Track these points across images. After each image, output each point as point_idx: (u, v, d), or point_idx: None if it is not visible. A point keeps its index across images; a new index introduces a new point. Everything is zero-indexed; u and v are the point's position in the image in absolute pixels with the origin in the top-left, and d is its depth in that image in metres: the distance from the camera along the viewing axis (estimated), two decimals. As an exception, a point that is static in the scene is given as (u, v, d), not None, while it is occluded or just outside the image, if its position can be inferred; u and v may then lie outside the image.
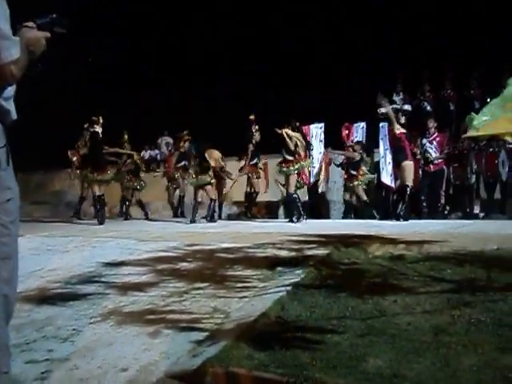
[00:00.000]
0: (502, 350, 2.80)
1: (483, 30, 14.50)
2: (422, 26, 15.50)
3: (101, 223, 11.66)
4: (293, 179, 11.14)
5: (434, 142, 11.57)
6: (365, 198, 12.15)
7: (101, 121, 11.99)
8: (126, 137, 14.33)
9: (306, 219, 11.01)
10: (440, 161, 11.70)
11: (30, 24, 2.40)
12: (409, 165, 10.83)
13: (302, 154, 11.23)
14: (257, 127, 12.94)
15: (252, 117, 12.96)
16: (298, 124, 11.58)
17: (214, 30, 18.30)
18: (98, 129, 12.01)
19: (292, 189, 11.13)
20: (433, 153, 11.57)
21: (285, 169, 11.08)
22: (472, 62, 14.40)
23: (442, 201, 12.06)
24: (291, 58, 17.48)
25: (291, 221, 10.96)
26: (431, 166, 11.59)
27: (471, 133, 4.70)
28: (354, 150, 12.41)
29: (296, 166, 11.06)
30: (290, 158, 11.06)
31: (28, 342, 3.51)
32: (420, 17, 15.53)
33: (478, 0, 14.71)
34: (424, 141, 12.05)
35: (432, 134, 12.00)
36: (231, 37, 17.71)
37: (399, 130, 11.01)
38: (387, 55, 15.68)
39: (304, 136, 11.76)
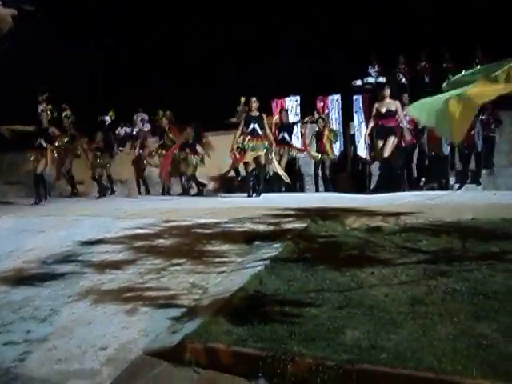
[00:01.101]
0: (477, 319, 2.84)
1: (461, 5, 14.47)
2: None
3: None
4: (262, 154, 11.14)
5: (407, 117, 11.56)
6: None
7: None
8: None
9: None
10: (410, 137, 11.66)
11: None
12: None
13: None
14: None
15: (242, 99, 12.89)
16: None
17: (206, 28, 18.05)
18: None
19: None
20: (405, 127, 11.50)
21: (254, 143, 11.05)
22: (446, 34, 14.41)
23: (415, 174, 12.15)
24: (266, 29, 17.33)
25: (250, 195, 11.04)
26: (402, 142, 11.58)
27: None
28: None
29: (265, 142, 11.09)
30: (261, 132, 11.04)
31: (5, 323, 3.48)
32: None
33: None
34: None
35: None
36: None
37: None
38: (362, 25, 15.61)
39: None
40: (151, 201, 11.57)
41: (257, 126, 10.93)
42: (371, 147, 11.90)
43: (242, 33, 16.99)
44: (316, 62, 15.23)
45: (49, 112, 12.19)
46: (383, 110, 10.68)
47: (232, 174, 13.37)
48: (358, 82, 13.95)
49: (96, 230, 6.49)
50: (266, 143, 11.02)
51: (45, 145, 11.96)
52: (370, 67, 14.82)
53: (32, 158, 12.22)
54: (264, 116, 11.10)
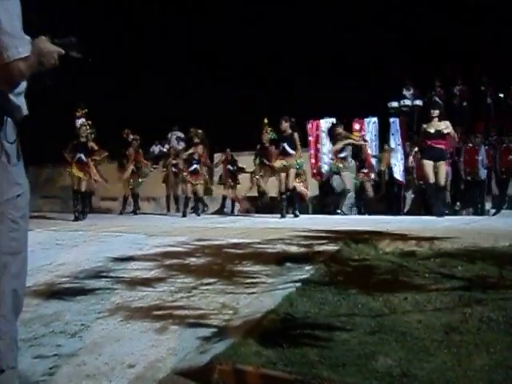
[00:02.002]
0: (514, 350, 2.76)
1: (494, 25, 14.37)
2: (433, 19, 15.38)
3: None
4: (293, 173, 11.14)
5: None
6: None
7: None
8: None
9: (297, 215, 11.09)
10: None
11: (46, 37, 2.37)
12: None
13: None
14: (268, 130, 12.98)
15: (265, 121, 12.96)
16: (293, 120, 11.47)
17: (219, 26, 18.25)
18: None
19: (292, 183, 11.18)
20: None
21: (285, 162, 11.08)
22: (482, 57, 14.31)
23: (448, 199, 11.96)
24: (305, 53, 17.44)
25: (283, 216, 11.00)
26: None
27: None
28: None
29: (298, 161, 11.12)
30: (292, 152, 11.06)
31: (36, 336, 3.49)
32: (431, 11, 15.43)
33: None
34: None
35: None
36: (239, 32, 17.65)
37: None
38: (400, 49, 15.60)
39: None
40: (181, 219, 11.63)
41: (286, 146, 11.01)
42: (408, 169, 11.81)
43: (280, 54, 17.12)
44: (352, 85, 15.26)
45: (88, 127, 12.29)
46: (432, 131, 10.44)
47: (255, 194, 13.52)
48: (395, 104, 13.90)
49: (128, 247, 6.53)
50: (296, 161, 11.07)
51: (85, 159, 12.04)
52: (404, 90, 14.76)
53: (70, 173, 12.31)
54: (296, 135, 11.14)
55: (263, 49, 17.54)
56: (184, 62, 19.03)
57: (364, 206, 12.85)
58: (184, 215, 12.49)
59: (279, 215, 11.10)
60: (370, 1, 16.32)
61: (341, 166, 12.37)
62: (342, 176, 12.42)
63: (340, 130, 12.60)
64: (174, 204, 15.16)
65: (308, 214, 12.77)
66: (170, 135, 17.72)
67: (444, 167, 10.45)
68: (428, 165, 10.45)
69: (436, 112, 10.55)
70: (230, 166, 14.16)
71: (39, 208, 14.79)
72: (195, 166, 12.80)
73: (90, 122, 12.37)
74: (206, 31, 18.42)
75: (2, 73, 2.24)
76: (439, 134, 10.36)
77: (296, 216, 11.00)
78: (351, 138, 12.70)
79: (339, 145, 12.58)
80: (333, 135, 12.79)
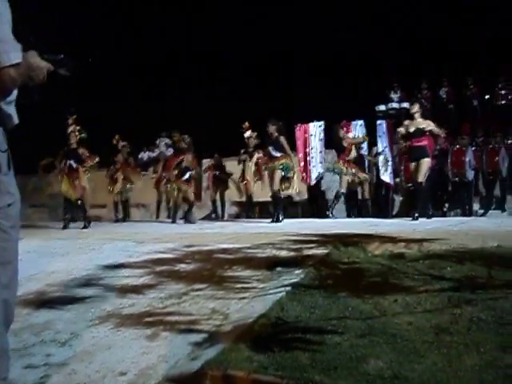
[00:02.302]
0: (504, 349, 2.78)
1: (481, 28, 14.48)
2: (421, 22, 15.47)
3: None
4: (278, 176, 11.11)
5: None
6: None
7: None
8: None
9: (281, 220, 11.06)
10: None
11: (34, 52, 2.36)
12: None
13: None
14: (250, 133, 13.01)
15: (246, 124, 12.99)
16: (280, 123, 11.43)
17: (211, 27, 18.29)
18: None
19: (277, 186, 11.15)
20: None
21: (270, 164, 11.07)
22: (469, 60, 14.41)
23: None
24: (291, 56, 17.50)
25: (273, 221, 10.99)
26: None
27: None
28: None
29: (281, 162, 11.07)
30: (278, 154, 11.04)
31: (26, 346, 3.48)
32: (419, 14, 15.52)
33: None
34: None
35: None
36: (232, 35, 17.69)
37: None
38: (386, 52, 15.67)
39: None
40: (171, 225, 11.60)
41: (272, 149, 11.02)
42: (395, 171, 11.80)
43: (266, 58, 17.17)
44: (340, 88, 15.31)
45: (77, 133, 12.18)
46: (412, 130, 10.36)
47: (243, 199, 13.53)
48: (382, 107, 13.97)
49: (118, 254, 6.50)
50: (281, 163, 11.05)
51: (75, 166, 11.93)
52: (392, 92, 14.84)
53: (61, 180, 12.15)
54: (282, 138, 11.14)
55: (250, 54, 17.59)
56: (169, 69, 19.10)
57: (357, 209, 12.85)
58: (174, 221, 12.43)
59: (270, 220, 11.10)
60: (351, 4, 16.39)
61: (343, 168, 12.24)
62: (342, 178, 12.28)
63: (342, 132, 12.54)
64: (164, 210, 15.13)
65: (297, 217, 12.80)
66: (158, 141, 17.72)
67: (425, 165, 10.31)
68: (411, 166, 10.49)
69: (415, 107, 10.51)
70: (216, 172, 14.19)
71: (28, 217, 14.70)
72: (188, 174, 12.73)
73: (79, 128, 12.27)
74: (204, 35, 18.46)
75: None
76: (420, 133, 10.28)
77: (278, 221, 10.95)
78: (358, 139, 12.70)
79: (357, 140, 12.54)
80: (336, 138, 12.71)
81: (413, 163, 10.35)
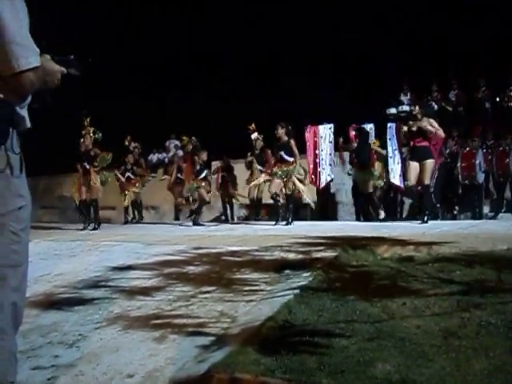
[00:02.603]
0: (513, 354, 2.75)
1: (490, 30, 14.41)
2: (430, 24, 15.42)
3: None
4: (293, 179, 11.05)
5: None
6: None
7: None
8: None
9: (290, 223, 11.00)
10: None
11: (48, 56, 2.36)
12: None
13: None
14: (256, 135, 12.99)
15: (252, 126, 12.97)
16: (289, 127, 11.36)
17: (216, 29, 18.31)
18: None
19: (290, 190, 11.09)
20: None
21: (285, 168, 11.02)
22: (479, 61, 14.35)
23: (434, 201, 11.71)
24: (302, 59, 17.51)
25: (282, 223, 10.93)
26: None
27: None
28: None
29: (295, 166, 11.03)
30: (290, 159, 11.00)
31: (34, 348, 3.48)
32: (428, 16, 15.48)
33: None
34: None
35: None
36: (236, 36, 17.71)
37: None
38: (395, 55, 15.63)
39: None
40: (180, 227, 11.62)
41: (283, 153, 10.98)
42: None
43: (265, 58, 17.17)
44: (350, 91, 15.29)
45: (92, 134, 12.23)
46: (414, 129, 10.17)
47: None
48: (393, 110, 13.89)
49: (126, 256, 6.52)
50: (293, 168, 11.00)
51: (88, 167, 11.93)
52: (402, 95, 14.79)
53: (76, 182, 12.27)
54: (292, 142, 11.06)
55: (260, 54, 17.62)
56: (169, 69, 19.16)
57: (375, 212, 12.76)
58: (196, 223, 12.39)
59: (284, 222, 11.03)
60: (351, 4, 16.35)
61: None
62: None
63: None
64: (171, 212, 15.15)
65: (306, 220, 12.77)
66: (168, 143, 17.76)
67: (430, 166, 10.10)
68: (412, 166, 10.22)
69: (417, 109, 10.36)
70: (224, 173, 14.18)
71: (38, 218, 14.76)
72: (204, 172, 12.70)
73: (93, 129, 12.31)
74: (204, 35, 18.49)
75: (11, 83, 2.23)
76: (421, 132, 10.07)
77: (289, 223, 10.89)
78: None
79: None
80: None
81: (415, 163, 10.19)
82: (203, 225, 11.91)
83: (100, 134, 12.20)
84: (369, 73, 15.91)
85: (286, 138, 10.99)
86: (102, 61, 18.22)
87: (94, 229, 11.57)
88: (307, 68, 17.40)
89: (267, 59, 17.64)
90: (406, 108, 13.85)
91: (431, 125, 10.04)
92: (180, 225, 12.40)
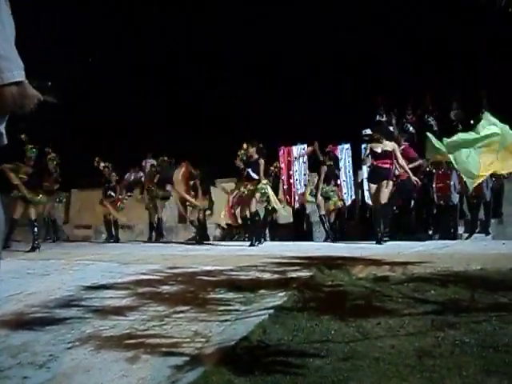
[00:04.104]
0: (487, 372, 2.76)
1: (491, 30, 14.54)
2: (430, 24, 15.53)
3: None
4: (256, 198, 11.10)
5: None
6: None
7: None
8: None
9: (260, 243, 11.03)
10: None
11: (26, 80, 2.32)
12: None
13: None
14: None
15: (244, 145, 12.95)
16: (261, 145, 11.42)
17: (216, 29, 18.31)
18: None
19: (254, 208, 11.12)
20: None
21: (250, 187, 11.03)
22: (453, 83, 14.53)
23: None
24: (276, 77, 17.58)
25: (253, 244, 10.94)
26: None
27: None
28: None
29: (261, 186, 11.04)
30: (256, 177, 11.00)
31: (2, 369, 3.39)
32: (428, 16, 15.60)
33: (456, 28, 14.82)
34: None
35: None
36: (236, 36, 17.70)
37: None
38: (395, 55, 15.73)
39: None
40: (156, 246, 11.54)
41: (251, 171, 11.00)
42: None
43: (251, 80, 17.21)
44: (325, 111, 15.35)
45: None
46: (379, 150, 10.36)
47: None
48: (368, 131, 13.99)
49: (100, 275, 6.45)
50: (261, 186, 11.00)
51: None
52: (378, 116, 14.91)
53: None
54: (261, 161, 11.08)
55: (261, 54, 17.63)
56: (169, 69, 19.19)
57: (340, 232, 12.79)
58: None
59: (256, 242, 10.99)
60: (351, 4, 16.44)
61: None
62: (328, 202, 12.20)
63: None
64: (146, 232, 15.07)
65: (282, 240, 12.76)
66: (144, 163, 17.68)
67: (388, 186, 10.28)
68: (372, 188, 10.46)
69: (377, 133, 10.60)
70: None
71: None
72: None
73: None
74: (204, 35, 18.50)
75: None
76: (385, 154, 10.28)
77: (256, 244, 10.91)
78: None
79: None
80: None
81: (374, 185, 10.35)
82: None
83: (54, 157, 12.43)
84: (369, 73, 16.01)
85: (256, 157, 11.02)
86: (102, 61, 18.30)
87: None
88: (281, 87, 17.44)
89: (267, 59, 17.66)
90: (368, 131, 13.88)
91: (394, 149, 10.25)
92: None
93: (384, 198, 10.21)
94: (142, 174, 17.71)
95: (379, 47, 16.04)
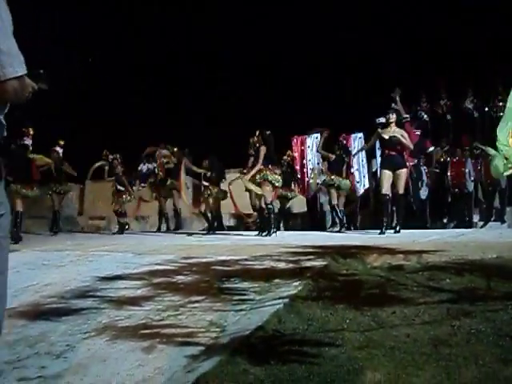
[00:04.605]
0: (504, 361, 2.74)
1: (490, 30, 14.44)
2: (430, 24, 15.46)
3: (16, 241, 10.43)
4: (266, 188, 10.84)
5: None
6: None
7: (31, 132, 11.70)
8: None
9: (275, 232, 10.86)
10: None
11: None
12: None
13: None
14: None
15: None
16: (268, 133, 11.18)
17: (216, 29, 18.29)
18: (28, 141, 11.86)
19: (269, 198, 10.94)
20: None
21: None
22: (467, 73, 14.44)
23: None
24: (291, 68, 17.55)
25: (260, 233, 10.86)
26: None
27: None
28: None
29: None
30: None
31: (20, 358, 3.43)
32: (428, 16, 15.53)
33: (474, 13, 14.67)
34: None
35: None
36: (236, 36, 17.67)
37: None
38: (385, 64, 15.68)
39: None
40: (170, 237, 11.58)
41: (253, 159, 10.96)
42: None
43: (251, 80, 17.18)
44: (339, 100, 15.31)
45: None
46: (386, 137, 10.19)
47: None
48: (382, 120, 13.91)
49: (115, 266, 6.47)
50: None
51: None
52: (392, 104, 14.81)
53: None
54: (262, 148, 10.85)
55: (261, 54, 17.61)
56: (169, 69, 19.17)
57: (352, 221, 12.77)
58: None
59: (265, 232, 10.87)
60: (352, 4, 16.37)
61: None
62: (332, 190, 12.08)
63: None
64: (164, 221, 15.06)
65: (296, 229, 12.76)
66: (157, 153, 17.69)
67: (404, 175, 10.12)
68: (386, 175, 10.14)
69: (393, 117, 10.35)
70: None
71: (27, 228, 14.63)
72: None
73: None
74: (204, 35, 18.49)
75: None
76: (394, 141, 10.09)
77: (269, 234, 10.67)
78: None
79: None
80: None
81: (388, 172, 10.09)
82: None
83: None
84: (369, 73, 15.95)
85: (257, 145, 10.88)
86: (102, 61, 18.33)
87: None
88: (295, 78, 17.41)
89: (267, 59, 17.63)
90: (382, 120, 13.80)
91: (403, 136, 10.04)
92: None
93: (401, 188, 10.08)
94: (155, 164, 17.72)
95: (379, 47, 15.94)
